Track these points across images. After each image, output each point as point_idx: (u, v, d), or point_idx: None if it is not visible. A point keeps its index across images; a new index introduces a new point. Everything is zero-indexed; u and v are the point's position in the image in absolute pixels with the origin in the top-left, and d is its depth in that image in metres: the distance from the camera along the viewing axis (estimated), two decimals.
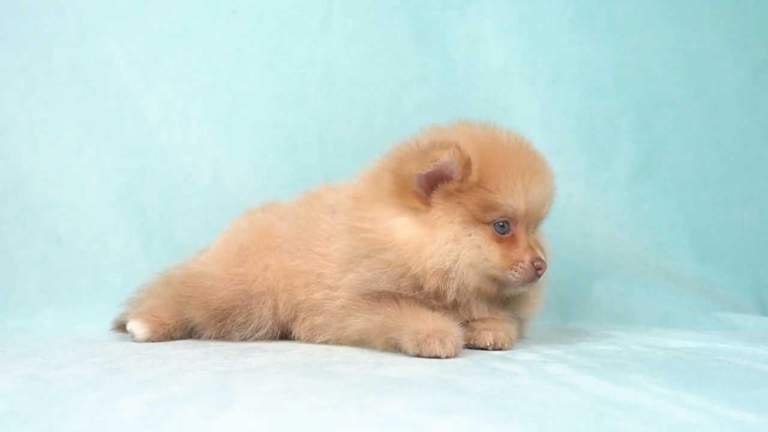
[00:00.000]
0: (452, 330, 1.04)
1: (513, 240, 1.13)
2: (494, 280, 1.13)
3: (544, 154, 1.21)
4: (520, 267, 1.11)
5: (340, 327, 1.18)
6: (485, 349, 1.12)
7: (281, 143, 1.83)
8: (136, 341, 1.25)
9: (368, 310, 1.13)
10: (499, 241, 1.12)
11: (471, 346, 1.13)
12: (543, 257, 1.13)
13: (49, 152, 1.78)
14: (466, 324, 1.14)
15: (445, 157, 1.08)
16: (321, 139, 1.84)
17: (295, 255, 1.26)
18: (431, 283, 1.11)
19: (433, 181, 1.12)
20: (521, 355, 1.08)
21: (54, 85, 1.80)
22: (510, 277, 1.11)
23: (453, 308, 1.13)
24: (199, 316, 1.28)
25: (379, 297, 1.13)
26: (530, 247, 1.13)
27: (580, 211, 1.82)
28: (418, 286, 1.11)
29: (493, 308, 1.17)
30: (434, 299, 1.12)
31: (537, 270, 1.12)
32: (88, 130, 1.80)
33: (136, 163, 1.80)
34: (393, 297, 1.12)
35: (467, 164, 1.09)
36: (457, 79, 1.87)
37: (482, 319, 1.15)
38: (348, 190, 1.26)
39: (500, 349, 1.12)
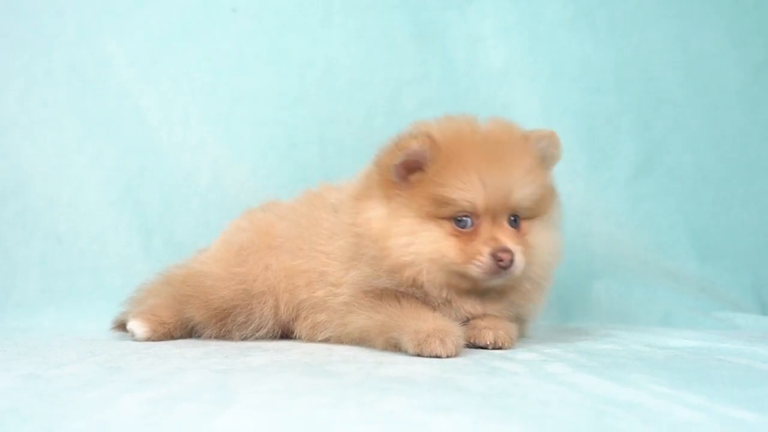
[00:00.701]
0: (453, 329, 1.04)
1: (474, 233, 1.10)
2: (459, 274, 1.11)
3: None
4: (479, 260, 1.07)
5: (341, 324, 1.18)
6: (485, 348, 1.12)
7: (281, 143, 1.83)
8: (136, 340, 1.25)
9: (370, 308, 1.12)
10: (459, 235, 1.09)
11: (471, 345, 1.12)
12: (509, 247, 1.07)
13: (49, 152, 1.78)
14: (466, 323, 1.14)
15: (414, 146, 1.07)
16: (321, 138, 1.84)
17: (297, 254, 1.26)
18: (407, 275, 1.10)
19: (408, 171, 1.11)
20: (521, 354, 1.08)
21: (54, 85, 1.80)
22: (470, 271, 1.09)
23: (446, 305, 1.13)
24: (199, 315, 1.28)
25: (381, 295, 1.13)
26: (492, 239, 1.08)
27: (580, 211, 1.82)
28: (402, 280, 1.11)
29: (486, 302, 1.15)
30: (422, 294, 1.11)
31: (498, 262, 1.07)
32: (88, 130, 1.80)
33: (136, 162, 1.81)
34: (395, 296, 1.12)
35: (439, 153, 1.08)
36: (457, 78, 1.87)
37: (483, 318, 1.15)
38: (349, 189, 1.26)
39: (500, 348, 1.12)
